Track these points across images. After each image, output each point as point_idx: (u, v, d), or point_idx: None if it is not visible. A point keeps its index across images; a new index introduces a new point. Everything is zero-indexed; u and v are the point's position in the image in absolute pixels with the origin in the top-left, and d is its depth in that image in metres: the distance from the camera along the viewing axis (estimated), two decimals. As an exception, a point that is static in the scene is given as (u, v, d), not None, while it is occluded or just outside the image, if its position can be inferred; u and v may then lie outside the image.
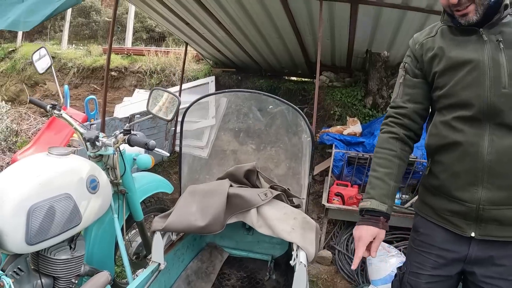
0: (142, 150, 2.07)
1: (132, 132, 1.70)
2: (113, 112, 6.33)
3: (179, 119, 2.07)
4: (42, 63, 2.02)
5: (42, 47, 2.07)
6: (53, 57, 7.82)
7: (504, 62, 1.24)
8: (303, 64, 5.69)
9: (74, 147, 4.53)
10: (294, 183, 2.01)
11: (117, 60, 7.23)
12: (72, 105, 6.97)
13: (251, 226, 1.67)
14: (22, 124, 5.91)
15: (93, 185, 1.65)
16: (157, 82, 6.84)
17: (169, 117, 1.71)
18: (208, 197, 1.71)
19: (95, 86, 7.36)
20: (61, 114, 1.96)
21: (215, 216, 1.63)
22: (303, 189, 1.96)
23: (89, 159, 1.86)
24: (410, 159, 3.35)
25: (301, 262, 1.55)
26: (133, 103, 6.32)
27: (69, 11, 9.22)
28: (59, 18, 10.74)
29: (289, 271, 2.15)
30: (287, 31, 4.49)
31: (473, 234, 1.28)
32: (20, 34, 9.09)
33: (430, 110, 1.50)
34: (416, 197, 1.89)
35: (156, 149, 1.61)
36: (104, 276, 1.16)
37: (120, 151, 1.82)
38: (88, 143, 1.81)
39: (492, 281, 1.28)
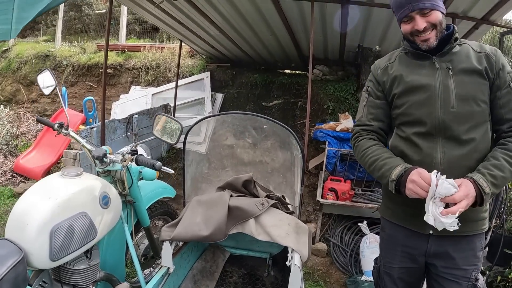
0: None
1: (138, 151, 1.84)
2: (110, 109, 6.42)
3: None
4: (47, 84, 2.14)
5: (46, 69, 2.18)
6: (47, 56, 7.87)
7: (452, 86, 1.48)
8: (296, 57, 5.79)
9: (75, 149, 4.66)
10: (287, 190, 2.18)
11: (112, 57, 7.28)
12: (69, 103, 7.05)
13: (250, 235, 1.84)
14: (21, 127, 6.00)
15: (105, 201, 1.80)
16: (153, 78, 6.92)
17: (173, 141, 1.85)
18: (211, 208, 1.87)
19: (91, 84, 7.42)
20: (68, 133, 2.09)
21: (218, 226, 1.79)
22: (296, 196, 2.13)
23: (98, 174, 2.00)
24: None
25: (295, 264, 1.73)
26: (130, 100, 6.42)
27: (61, 6, 9.17)
28: (51, 13, 10.67)
29: (286, 268, 2.33)
30: (280, 28, 4.59)
31: (431, 232, 1.51)
32: (13, 32, 9.03)
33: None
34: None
35: (162, 168, 1.75)
36: (124, 287, 1.31)
37: (127, 167, 1.97)
38: (96, 160, 1.95)
39: (450, 271, 1.53)
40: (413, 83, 1.53)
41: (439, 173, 1.35)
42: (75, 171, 1.77)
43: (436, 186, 1.32)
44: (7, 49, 8.67)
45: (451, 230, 1.32)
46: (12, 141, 5.56)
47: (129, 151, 1.84)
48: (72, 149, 4.80)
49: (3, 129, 5.42)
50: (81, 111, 6.12)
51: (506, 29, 5.09)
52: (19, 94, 7.87)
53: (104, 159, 1.92)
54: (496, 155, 1.43)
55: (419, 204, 1.40)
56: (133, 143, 1.86)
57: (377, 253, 3.03)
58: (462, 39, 1.59)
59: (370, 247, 3.09)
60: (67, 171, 1.76)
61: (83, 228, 1.65)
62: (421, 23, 1.46)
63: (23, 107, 7.49)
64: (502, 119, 1.49)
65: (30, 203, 1.59)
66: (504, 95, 1.47)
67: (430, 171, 1.38)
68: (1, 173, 4.94)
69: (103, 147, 2.01)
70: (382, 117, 1.65)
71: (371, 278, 2.94)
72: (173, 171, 1.89)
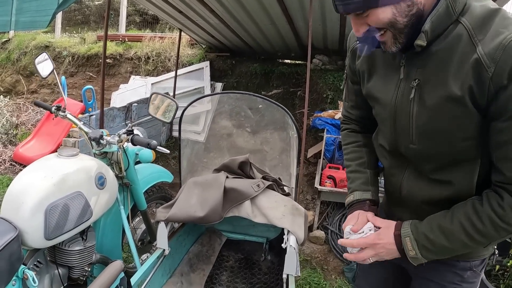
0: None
1: (134, 132, 1.84)
2: (109, 99, 6.42)
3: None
4: (44, 67, 2.13)
5: (44, 52, 2.18)
6: (47, 46, 7.88)
7: (413, 115, 1.00)
8: (296, 47, 5.76)
9: (74, 137, 4.67)
10: (284, 172, 2.17)
11: (111, 47, 7.26)
12: (69, 93, 7.05)
13: (247, 217, 1.84)
14: (21, 116, 6.01)
15: (101, 182, 1.81)
16: (153, 68, 6.91)
17: (168, 120, 1.86)
18: (207, 190, 1.87)
19: (91, 74, 7.41)
20: (66, 115, 2.10)
21: (213, 208, 1.79)
22: (292, 178, 2.13)
23: (94, 156, 2.01)
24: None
25: (291, 245, 1.73)
26: (129, 90, 6.42)
27: (60, -3, 9.13)
28: (51, 4, 10.64)
29: (283, 252, 2.33)
30: (279, 17, 4.56)
31: None
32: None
33: None
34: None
35: (157, 147, 1.75)
36: (117, 265, 1.32)
37: (124, 148, 1.97)
38: (93, 142, 1.96)
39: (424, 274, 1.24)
40: (371, 91, 1.14)
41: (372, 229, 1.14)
42: (72, 151, 1.78)
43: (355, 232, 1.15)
44: (7, 40, 8.66)
45: None
46: (12, 131, 5.58)
47: (125, 131, 1.84)
48: (71, 137, 4.81)
49: (3, 118, 5.43)
50: (81, 101, 6.13)
51: None
52: (19, 85, 7.88)
53: (101, 140, 1.93)
54: (455, 213, 1.00)
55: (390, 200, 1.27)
56: (130, 124, 1.86)
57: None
58: (465, 13, 0.91)
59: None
60: (64, 151, 1.77)
61: (78, 207, 1.66)
62: (356, 27, 0.97)
63: (23, 97, 7.49)
64: (493, 165, 0.97)
65: (26, 182, 1.60)
66: (500, 130, 0.90)
67: (395, 190, 1.20)
68: (1, 162, 4.96)
69: (100, 129, 2.01)
70: (363, 105, 1.27)
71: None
72: (168, 151, 1.90)
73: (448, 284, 1.18)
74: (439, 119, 0.96)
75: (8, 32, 8.86)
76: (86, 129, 2.03)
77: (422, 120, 0.99)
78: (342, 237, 1.21)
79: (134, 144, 1.82)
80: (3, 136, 5.37)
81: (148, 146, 1.70)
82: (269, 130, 2.18)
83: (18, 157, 5.03)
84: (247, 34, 5.49)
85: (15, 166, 4.99)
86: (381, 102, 1.10)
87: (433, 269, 1.19)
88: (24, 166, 4.96)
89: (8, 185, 4.35)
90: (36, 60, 2.17)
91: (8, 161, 5.03)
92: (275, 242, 2.52)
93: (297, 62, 6.48)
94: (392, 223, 1.10)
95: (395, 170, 1.18)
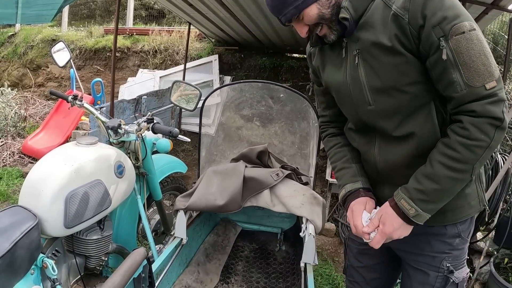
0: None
1: (154, 120, 1.82)
2: (117, 93, 6.41)
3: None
4: (61, 56, 2.12)
5: (61, 40, 2.17)
6: (53, 40, 7.86)
7: (363, 79, 1.14)
8: (304, 41, 5.72)
9: (84, 129, 4.67)
10: (302, 162, 2.16)
11: (119, 41, 7.24)
12: (77, 86, 7.03)
13: (266, 207, 1.82)
14: (29, 109, 6.01)
15: (120, 170, 1.80)
16: (161, 61, 6.89)
17: (192, 108, 1.84)
18: (226, 179, 1.86)
19: (98, 67, 7.40)
20: (82, 104, 2.09)
21: (233, 196, 1.78)
22: (311, 168, 2.11)
23: (112, 145, 1.99)
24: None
25: (310, 233, 1.72)
26: (137, 83, 6.41)
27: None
28: (57, -3, 10.62)
29: (298, 243, 2.33)
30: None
31: None
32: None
33: None
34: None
35: (179, 136, 1.74)
36: (141, 251, 1.31)
37: (142, 137, 1.96)
38: (110, 131, 1.94)
39: (414, 257, 1.29)
40: (327, 80, 1.29)
41: (376, 209, 1.20)
42: (90, 139, 1.77)
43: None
44: (13, 34, 8.66)
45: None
46: (20, 123, 5.58)
47: (145, 119, 1.83)
48: (80, 129, 4.82)
49: (11, 110, 5.43)
50: (89, 94, 6.13)
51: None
52: (25, 78, 7.88)
53: (119, 129, 1.92)
54: (431, 157, 1.08)
55: (379, 194, 1.28)
56: (149, 113, 1.85)
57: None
58: None
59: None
60: (82, 140, 1.76)
61: (98, 195, 1.65)
62: (300, 30, 1.16)
63: (30, 91, 7.49)
64: (444, 97, 1.07)
65: (45, 170, 1.59)
66: (434, 64, 1.02)
67: (371, 167, 1.26)
68: (10, 154, 4.97)
69: (117, 119, 2.00)
70: (332, 103, 1.37)
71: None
72: (189, 139, 1.88)
73: (439, 254, 1.23)
74: (384, 71, 1.09)
75: (14, 25, 8.86)
76: (103, 118, 2.01)
77: (371, 79, 1.12)
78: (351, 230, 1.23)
79: (154, 133, 1.80)
80: (11, 128, 5.37)
81: (170, 134, 1.68)
82: (289, 119, 2.15)
83: (27, 150, 5.04)
84: (256, 27, 5.45)
85: (24, 158, 5.00)
86: (337, 84, 1.23)
87: (422, 242, 1.24)
88: (33, 159, 4.98)
89: (17, 177, 4.38)
90: (53, 49, 2.16)
91: (17, 153, 5.04)
92: (289, 232, 2.51)
93: (305, 56, 6.43)
94: (386, 203, 1.16)
95: (366, 147, 1.26)
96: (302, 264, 1.70)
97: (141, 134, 1.87)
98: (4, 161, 4.77)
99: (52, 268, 1.50)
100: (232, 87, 2.20)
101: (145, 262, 1.42)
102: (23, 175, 4.42)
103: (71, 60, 2.11)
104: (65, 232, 1.58)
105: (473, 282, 2.69)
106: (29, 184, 1.57)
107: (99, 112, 2.04)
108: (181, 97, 1.86)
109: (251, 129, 2.21)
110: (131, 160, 2.04)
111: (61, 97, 2.16)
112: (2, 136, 5.22)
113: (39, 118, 5.98)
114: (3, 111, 5.33)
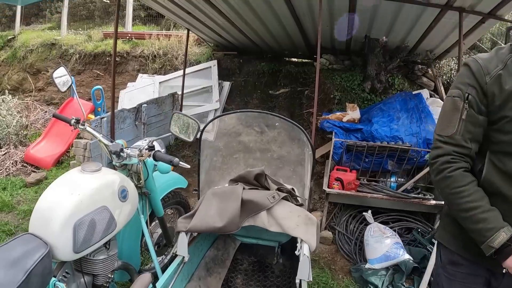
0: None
1: (155, 147, 1.91)
2: (117, 98, 6.47)
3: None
4: (62, 81, 2.20)
5: (61, 66, 2.24)
6: (53, 44, 7.87)
7: None
8: (303, 46, 5.79)
9: (86, 138, 4.75)
10: (297, 183, 2.25)
11: (118, 45, 7.28)
12: (77, 91, 7.06)
13: (263, 227, 1.92)
14: (30, 116, 6.07)
15: (123, 195, 1.89)
16: (160, 66, 6.96)
17: (190, 139, 1.92)
18: (225, 201, 1.96)
19: (98, 72, 7.46)
20: (85, 128, 2.17)
21: (231, 218, 1.88)
22: (306, 189, 2.21)
23: (115, 168, 2.08)
24: (405, 146, 3.56)
25: (304, 253, 1.82)
26: (137, 88, 6.48)
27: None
28: (56, -1, 10.68)
29: (294, 256, 2.43)
30: (287, 18, 4.60)
31: (504, 271, 1.30)
32: (18, 20, 9.05)
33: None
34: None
35: (180, 163, 1.82)
36: (146, 278, 1.40)
37: (144, 161, 2.04)
38: (113, 155, 2.03)
39: None
40: None
41: None
42: (95, 166, 1.85)
43: None
44: (12, 38, 8.70)
45: None
46: (22, 131, 5.64)
47: (147, 147, 1.91)
48: (81, 138, 4.89)
49: (13, 119, 5.49)
50: (89, 100, 6.19)
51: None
52: (25, 82, 7.93)
53: (121, 153, 2.00)
54: None
55: None
56: (149, 139, 1.93)
57: (380, 242, 3.14)
58: None
59: (374, 236, 3.18)
60: (87, 167, 1.84)
61: (104, 221, 1.74)
62: None
63: (30, 95, 7.55)
64: None
65: (53, 199, 1.68)
66: None
67: None
68: (12, 163, 5.04)
69: (118, 141, 2.08)
70: (480, 138, 1.30)
71: (374, 266, 3.04)
72: (189, 166, 1.96)
73: None
74: None
75: (14, 29, 8.91)
76: (106, 141, 2.09)
77: None
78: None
79: (156, 160, 1.89)
80: (13, 137, 5.43)
81: (171, 163, 1.76)
82: (285, 146, 2.25)
83: (29, 158, 5.12)
84: (254, 34, 5.52)
85: (26, 167, 5.07)
86: None
87: None
88: (36, 167, 5.07)
89: (21, 187, 4.46)
90: (54, 74, 2.24)
91: (20, 162, 5.12)
92: (287, 245, 2.61)
93: (304, 60, 6.50)
94: None
95: None
96: (297, 280, 1.80)
97: (143, 160, 1.95)
98: (7, 170, 4.85)
99: (64, 290, 1.60)
100: (229, 117, 2.29)
101: (151, 286, 1.52)
102: (27, 185, 4.50)
103: (73, 86, 2.18)
104: (74, 257, 1.67)
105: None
106: (38, 213, 1.65)
107: (101, 135, 2.12)
108: (181, 128, 1.94)
109: (249, 152, 2.30)
110: (133, 181, 2.13)
111: (64, 120, 2.23)
112: (4, 145, 5.28)
113: (41, 125, 6.05)
114: (4, 119, 5.39)
